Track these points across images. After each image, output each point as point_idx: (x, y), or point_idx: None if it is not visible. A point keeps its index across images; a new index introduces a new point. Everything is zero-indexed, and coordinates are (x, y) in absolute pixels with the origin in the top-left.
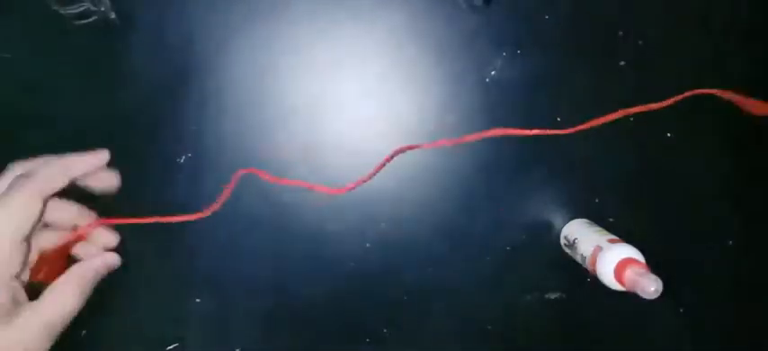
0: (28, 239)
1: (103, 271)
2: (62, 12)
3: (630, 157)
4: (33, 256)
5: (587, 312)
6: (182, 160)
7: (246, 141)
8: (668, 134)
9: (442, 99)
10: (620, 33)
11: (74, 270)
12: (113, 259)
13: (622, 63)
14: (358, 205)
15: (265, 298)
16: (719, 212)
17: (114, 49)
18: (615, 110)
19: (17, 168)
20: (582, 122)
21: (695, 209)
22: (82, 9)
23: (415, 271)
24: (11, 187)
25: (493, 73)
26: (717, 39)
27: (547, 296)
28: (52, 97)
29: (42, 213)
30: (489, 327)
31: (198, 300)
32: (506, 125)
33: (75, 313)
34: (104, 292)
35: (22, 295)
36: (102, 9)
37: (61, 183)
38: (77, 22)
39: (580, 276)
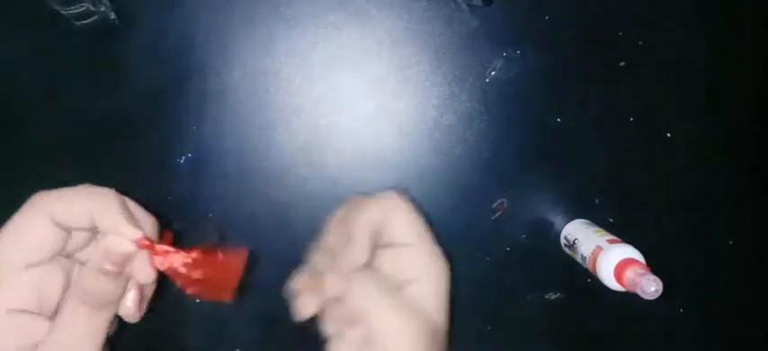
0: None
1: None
2: (62, 12)
3: (630, 157)
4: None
5: (587, 312)
6: (182, 160)
7: (247, 141)
8: (668, 134)
9: (441, 99)
10: (620, 33)
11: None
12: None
13: (622, 63)
14: None
15: (265, 298)
16: (719, 212)
17: (114, 49)
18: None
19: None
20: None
21: (695, 209)
22: (82, 9)
23: None
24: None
25: (493, 73)
26: (717, 39)
27: (547, 296)
28: (52, 97)
29: (62, 242)
30: (489, 327)
31: (198, 300)
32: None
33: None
34: None
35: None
36: (102, 9)
37: (82, 216)
38: (77, 23)
39: (580, 276)
